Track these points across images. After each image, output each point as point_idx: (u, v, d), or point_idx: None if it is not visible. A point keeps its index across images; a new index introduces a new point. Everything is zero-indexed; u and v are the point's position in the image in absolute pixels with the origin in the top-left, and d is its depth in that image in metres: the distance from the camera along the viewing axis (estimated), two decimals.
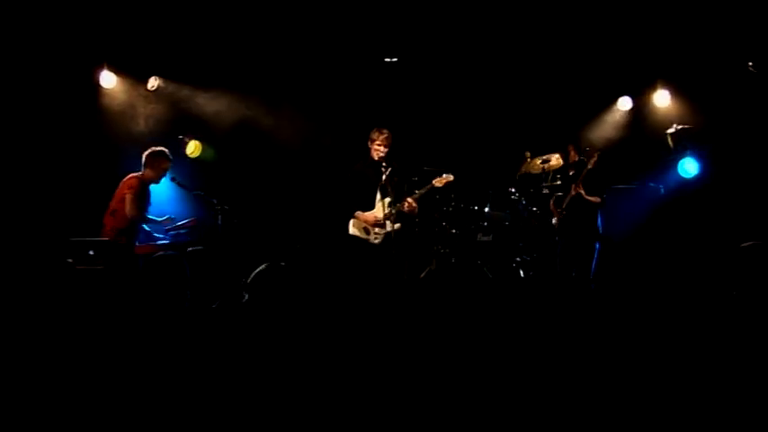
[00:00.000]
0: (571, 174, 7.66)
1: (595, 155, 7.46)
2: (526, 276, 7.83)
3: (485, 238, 8.28)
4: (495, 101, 8.91)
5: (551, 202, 7.68)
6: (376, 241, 6.83)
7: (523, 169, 8.17)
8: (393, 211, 6.62)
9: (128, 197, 6.72)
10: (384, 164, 6.71)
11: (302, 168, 8.70)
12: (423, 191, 6.88)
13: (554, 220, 7.68)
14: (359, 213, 6.82)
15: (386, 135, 6.77)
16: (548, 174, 8.02)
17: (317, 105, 8.73)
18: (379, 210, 6.83)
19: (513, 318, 5.22)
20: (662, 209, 8.28)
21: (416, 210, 6.77)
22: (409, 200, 6.69)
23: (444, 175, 6.93)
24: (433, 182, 6.92)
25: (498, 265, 8.04)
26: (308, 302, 5.96)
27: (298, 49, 8.29)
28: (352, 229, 6.86)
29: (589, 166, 7.45)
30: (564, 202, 7.51)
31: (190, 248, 6.84)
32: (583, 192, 7.38)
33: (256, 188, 8.59)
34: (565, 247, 7.48)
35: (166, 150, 6.98)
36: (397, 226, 6.68)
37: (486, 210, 8.29)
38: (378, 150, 6.78)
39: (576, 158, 7.57)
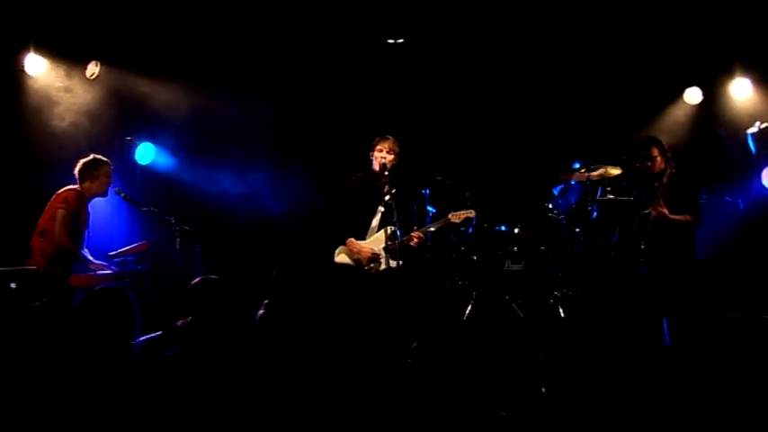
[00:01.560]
0: (656, 185, 7.08)
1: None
2: (568, 316, 7.87)
3: (514, 267, 8.30)
4: (526, 93, 9.06)
5: (636, 222, 7.19)
6: (372, 266, 6.81)
7: (563, 178, 8.27)
8: (396, 245, 6.60)
9: (59, 215, 6.71)
10: (387, 173, 6.77)
11: (281, 180, 8.81)
12: (435, 226, 6.96)
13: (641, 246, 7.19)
14: (351, 241, 6.80)
15: (390, 141, 6.88)
16: (595, 184, 8.08)
17: (300, 99, 8.87)
18: (376, 240, 6.83)
19: (552, 372, 5.03)
20: (741, 229, 8.25)
21: (419, 243, 6.80)
22: (417, 234, 6.70)
23: (464, 211, 7.00)
24: (450, 217, 6.98)
25: (532, 302, 8.06)
26: (281, 356, 5.83)
27: (275, 24, 8.41)
28: (340, 257, 6.84)
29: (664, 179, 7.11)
30: (649, 223, 7.00)
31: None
32: (666, 210, 6.86)
33: (224, 203, 8.68)
34: (652, 281, 7.02)
35: (100, 156, 7.00)
36: (394, 263, 6.66)
37: (516, 231, 8.32)
38: (380, 157, 6.84)
39: (664, 165, 6.99)
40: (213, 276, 4.90)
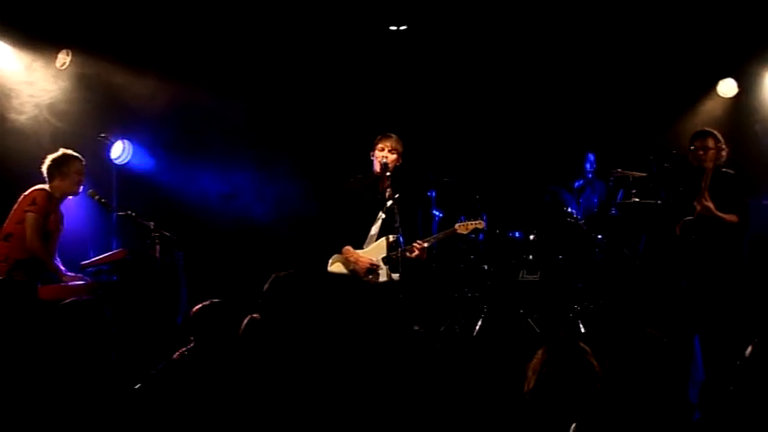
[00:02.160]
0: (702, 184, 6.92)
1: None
2: (588, 332, 7.84)
3: (530, 278, 8.35)
4: (542, 85, 9.17)
5: (678, 228, 7.08)
6: (370, 278, 6.74)
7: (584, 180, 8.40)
8: (398, 254, 6.54)
9: (29, 218, 6.65)
10: (389, 174, 6.69)
11: (271, 181, 8.81)
12: (440, 236, 6.94)
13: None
14: (348, 249, 6.71)
15: (393, 139, 6.80)
16: (618, 183, 8.10)
17: (292, 92, 8.89)
18: (374, 249, 6.75)
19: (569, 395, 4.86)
20: None
21: (424, 257, 6.72)
22: (418, 245, 6.63)
23: (472, 221, 6.92)
24: (456, 227, 6.90)
25: (549, 316, 8.08)
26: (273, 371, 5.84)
27: (261, 5, 8.44)
28: (334, 266, 6.76)
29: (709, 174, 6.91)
30: (690, 226, 6.82)
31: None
32: (712, 205, 6.68)
33: (209, 207, 8.70)
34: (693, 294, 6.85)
35: (70, 151, 6.92)
36: (396, 276, 6.61)
37: (532, 237, 8.39)
38: (381, 157, 6.77)
39: (715, 160, 6.77)
40: (217, 300, 4.89)
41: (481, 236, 8.31)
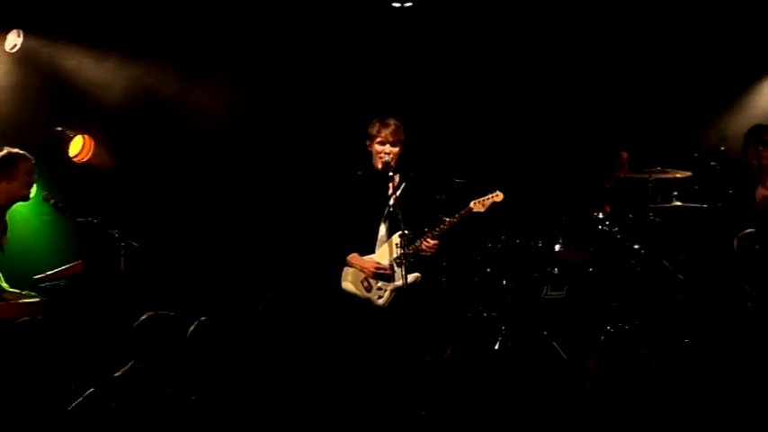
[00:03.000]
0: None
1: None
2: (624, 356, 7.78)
3: (555, 294, 8.35)
4: (568, 72, 9.22)
5: (735, 242, 7.24)
6: (380, 302, 6.80)
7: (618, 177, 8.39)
8: (407, 254, 6.58)
9: None
10: (392, 173, 6.74)
11: (258, 179, 8.81)
12: (453, 220, 6.82)
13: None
14: (353, 257, 6.79)
15: (392, 128, 6.77)
16: (657, 184, 8.09)
17: (276, 74, 8.90)
18: (385, 252, 6.82)
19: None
20: None
21: (435, 248, 6.78)
22: (429, 235, 6.70)
23: (488, 195, 6.84)
24: (471, 205, 6.83)
25: (577, 339, 8.03)
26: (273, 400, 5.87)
27: None
28: (346, 283, 6.83)
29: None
30: (751, 238, 7.06)
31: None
32: None
33: (184, 211, 8.73)
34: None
35: (17, 150, 6.92)
36: (412, 277, 6.64)
37: (557, 247, 8.34)
38: (381, 153, 6.78)
39: None
40: (164, 312, 4.99)
41: (500, 245, 8.30)
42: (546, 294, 8.31)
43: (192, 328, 4.78)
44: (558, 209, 8.54)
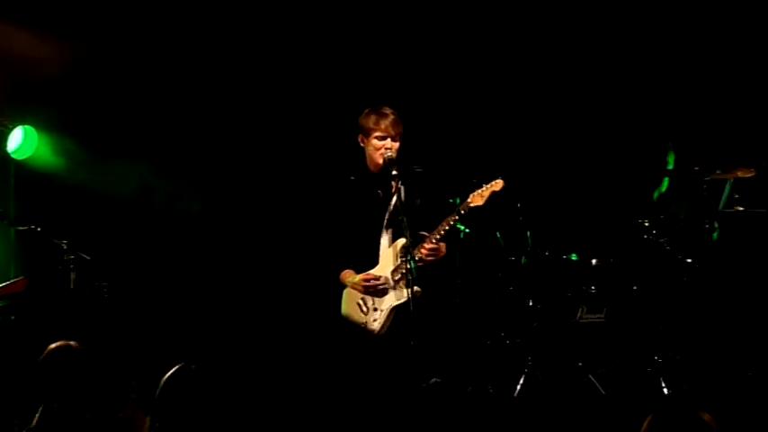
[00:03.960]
0: None
1: None
2: (672, 394, 7.85)
3: (591, 317, 8.23)
4: (606, 52, 9.23)
5: None
6: (375, 325, 6.74)
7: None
8: (408, 265, 6.50)
9: None
10: (395, 172, 6.65)
11: (233, 180, 8.87)
12: (451, 219, 6.76)
13: None
14: (345, 275, 6.79)
15: (391, 118, 6.72)
16: (715, 185, 8.20)
17: (254, 52, 8.96)
18: (387, 264, 6.79)
19: None
20: None
21: (442, 253, 6.73)
22: (428, 241, 6.67)
23: (485, 186, 6.75)
24: (469, 199, 6.75)
25: (619, 372, 8.01)
26: None
27: None
28: (345, 307, 6.85)
29: None
30: None
31: None
32: None
33: (145, 217, 8.72)
34: None
35: None
36: (414, 289, 6.54)
37: (594, 261, 8.31)
38: (380, 149, 6.73)
39: None
40: (73, 344, 4.92)
41: (524, 259, 8.35)
42: (581, 317, 8.21)
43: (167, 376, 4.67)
44: (595, 214, 8.66)
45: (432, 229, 6.74)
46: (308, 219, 7.19)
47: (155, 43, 8.77)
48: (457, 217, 6.72)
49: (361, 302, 6.77)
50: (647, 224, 8.32)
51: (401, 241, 6.63)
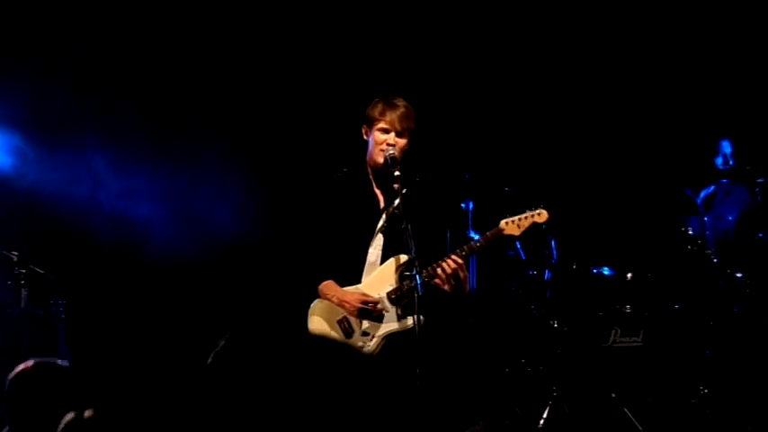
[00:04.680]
0: None
1: None
2: (720, 428, 7.84)
3: (626, 341, 8.18)
4: (643, 35, 9.45)
5: None
6: (370, 347, 6.52)
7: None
8: (412, 284, 6.23)
9: None
10: (397, 173, 6.39)
11: (199, 181, 8.96)
12: (480, 242, 6.57)
13: None
14: (328, 287, 6.54)
15: (401, 111, 6.51)
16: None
17: (229, 38, 9.15)
18: (376, 282, 6.58)
19: None
20: None
21: (466, 280, 6.45)
22: (452, 259, 6.38)
23: (527, 213, 6.53)
24: (501, 225, 6.50)
25: (657, 404, 7.92)
26: None
27: None
28: (315, 322, 6.58)
29: None
30: None
31: None
32: None
33: (103, 227, 8.75)
34: None
35: None
36: (412, 321, 6.36)
37: (629, 276, 8.35)
38: (381, 144, 6.53)
39: None
40: (52, 361, 4.92)
41: (548, 274, 8.38)
42: (615, 341, 8.14)
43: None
44: (630, 220, 8.80)
45: (435, 245, 6.58)
46: (283, 218, 7.16)
47: (109, 33, 8.87)
48: (481, 243, 6.53)
49: (344, 323, 6.54)
50: (690, 232, 8.34)
51: (403, 257, 6.42)
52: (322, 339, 6.33)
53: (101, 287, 8.58)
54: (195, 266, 8.96)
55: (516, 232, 6.47)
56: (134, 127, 9.03)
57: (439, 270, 6.35)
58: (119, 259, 8.89)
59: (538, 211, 6.44)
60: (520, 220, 6.45)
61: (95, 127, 8.95)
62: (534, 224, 6.45)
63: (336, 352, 6.44)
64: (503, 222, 6.43)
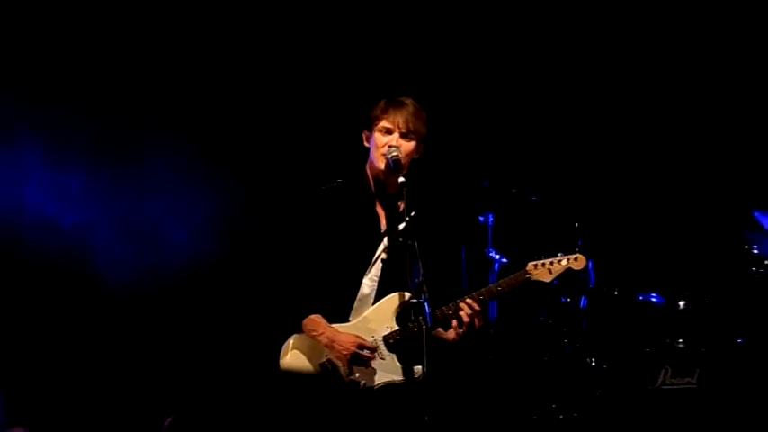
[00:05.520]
0: None
1: None
2: None
3: (678, 383, 8.04)
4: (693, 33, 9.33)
5: None
6: (357, 376, 6.55)
7: None
8: (415, 328, 6.23)
9: None
10: (403, 180, 6.34)
11: (159, 193, 8.90)
12: (501, 287, 6.55)
13: None
14: (314, 322, 6.44)
15: (409, 110, 6.48)
16: None
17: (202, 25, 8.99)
18: (370, 322, 6.55)
19: None
20: None
21: (479, 323, 6.41)
22: (467, 303, 6.35)
23: (561, 258, 6.55)
24: (528, 268, 6.53)
25: None
26: None
27: None
28: (289, 357, 6.53)
29: None
30: None
31: None
32: None
33: (44, 248, 8.71)
34: None
35: None
36: (417, 371, 6.43)
37: (682, 304, 8.21)
38: (382, 147, 6.49)
39: None
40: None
41: (584, 301, 8.32)
42: (664, 383, 7.97)
43: None
44: (683, 239, 8.79)
45: (451, 271, 6.64)
46: (260, 236, 7.54)
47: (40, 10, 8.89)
48: (505, 287, 6.49)
49: (328, 365, 6.47)
50: (755, 251, 8.16)
51: (406, 294, 6.38)
52: (297, 375, 6.48)
53: (26, 304, 8.60)
54: (146, 287, 8.87)
55: (546, 278, 6.48)
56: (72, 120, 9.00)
57: (450, 313, 6.34)
58: (49, 274, 8.80)
59: (575, 256, 6.48)
60: (552, 264, 6.49)
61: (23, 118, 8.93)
62: (568, 269, 6.50)
63: (312, 389, 6.52)
64: (530, 265, 6.47)
